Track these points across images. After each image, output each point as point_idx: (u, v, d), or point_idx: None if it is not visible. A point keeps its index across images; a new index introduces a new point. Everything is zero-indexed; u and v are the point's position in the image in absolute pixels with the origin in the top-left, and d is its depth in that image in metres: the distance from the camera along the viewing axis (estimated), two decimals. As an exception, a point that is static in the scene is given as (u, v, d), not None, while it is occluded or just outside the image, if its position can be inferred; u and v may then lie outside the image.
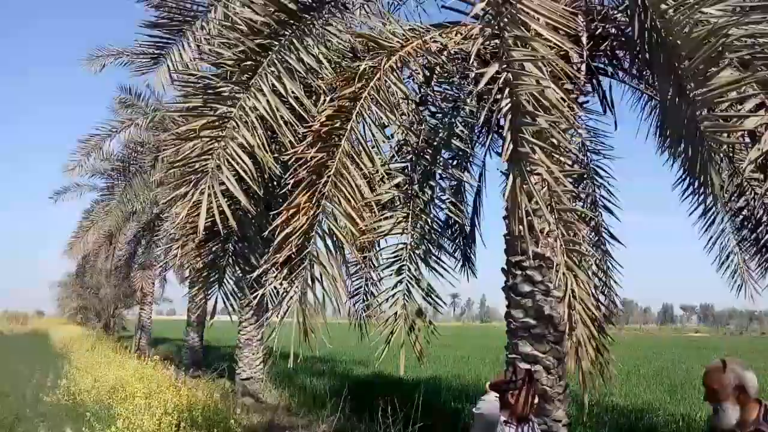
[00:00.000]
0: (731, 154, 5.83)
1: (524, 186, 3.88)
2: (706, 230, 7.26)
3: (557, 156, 4.18)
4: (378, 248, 5.67)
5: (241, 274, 6.44)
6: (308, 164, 4.42)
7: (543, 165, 3.70)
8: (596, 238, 7.92)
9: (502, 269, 5.57)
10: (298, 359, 4.17)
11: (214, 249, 6.39)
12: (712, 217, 7.18)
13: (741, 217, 7.04)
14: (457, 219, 6.06)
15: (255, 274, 4.57)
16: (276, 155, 5.36)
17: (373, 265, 6.28)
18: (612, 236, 7.70)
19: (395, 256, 5.10)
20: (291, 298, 4.23)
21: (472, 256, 6.80)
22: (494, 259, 6.25)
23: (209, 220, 5.68)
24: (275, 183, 5.92)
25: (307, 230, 4.32)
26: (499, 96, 3.93)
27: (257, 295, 4.44)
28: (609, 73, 6.07)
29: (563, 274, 4.37)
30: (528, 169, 3.69)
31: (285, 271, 4.38)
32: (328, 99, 4.63)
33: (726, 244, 7.31)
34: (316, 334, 4.34)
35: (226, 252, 6.35)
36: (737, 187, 6.51)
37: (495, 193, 6.36)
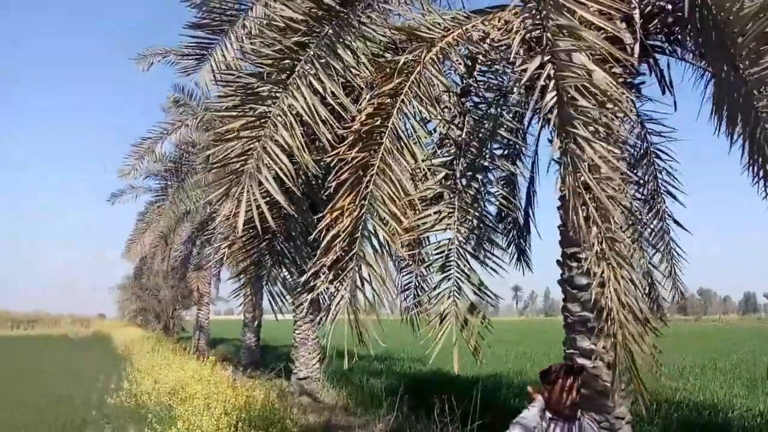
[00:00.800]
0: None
1: (578, 178, 3.89)
2: (784, 213, 6.96)
3: (608, 145, 4.18)
4: (427, 244, 5.79)
5: (287, 274, 6.72)
6: (350, 165, 4.57)
7: (597, 154, 3.70)
8: (659, 224, 7.76)
9: (558, 261, 5.55)
10: (353, 359, 4.35)
11: (259, 248, 6.69)
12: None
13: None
14: (509, 211, 6.10)
15: (305, 278, 4.77)
16: (316, 156, 5.57)
17: (422, 260, 6.41)
18: (676, 222, 7.52)
19: (440, 253, 5.19)
20: (341, 299, 4.39)
21: (527, 249, 6.81)
22: (556, 250, 6.26)
23: (253, 220, 6.00)
24: (319, 182, 6.13)
25: (352, 232, 4.46)
26: (545, 84, 3.97)
27: (307, 298, 4.64)
28: (667, 51, 5.92)
29: (599, 265, 4.34)
30: (580, 161, 3.71)
31: (333, 272, 4.54)
32: (367, 97, 4.75)
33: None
34: (369, 332, 4.49)
35: (272, 251, 6.62)
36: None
37: (549, 182, 6.34)
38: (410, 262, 5.89)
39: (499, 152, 5.86)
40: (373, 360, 18.92)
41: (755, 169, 5.14)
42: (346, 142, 4.82)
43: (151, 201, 22.99)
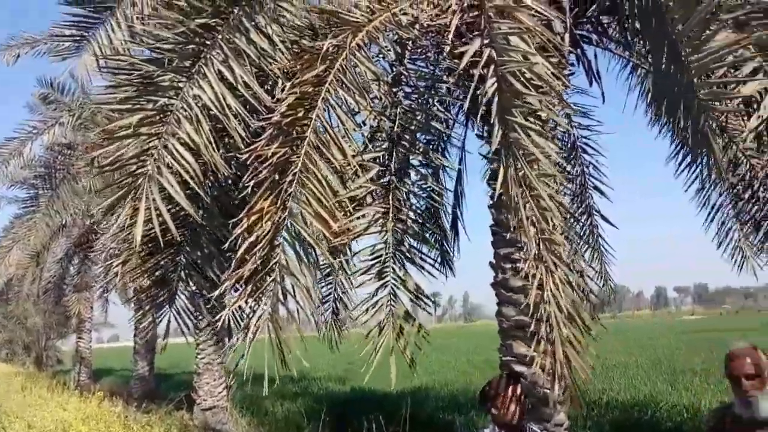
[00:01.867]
0: (725, 124, 5.98)
1: (517, 173, 3.89)
2: (704, 206, 7.50)
3: (546, 137, 4.25)
4: (350, 250, 5.66)
5: (195, 290, 6.34)
6: (269, 162, 4.36)
7: (537, 148, 3.72)
8: (588, 220, 8.11)
9: (490, 263, 5.59)
10: (274, 382, 4.13)
11: (162, 263, 6.27)
12: (709, 191, 7.43)
13: (738, 190, 7.26)
14: (438, 209, 6.09)
15: (217, 293, 4.49)
16: (226, 154, 5.29)
17: (344, 269, 6.27)
18: (603, 218, 7.88)
19: (375, 258, 5.08)
20: (260, 315, 4.17)
21: (452, 251, 6.82)
22: (474, 253, 6.30)
23: (152, 230, 5.61)
24: (230, 184, 5.83)
25: (273, 237, 4.27)
26: (482, 73, 3.96)
27: (220, 315, 4.37)
28: (594, 42, 6.16)
29: (531, 266, 4.41)
30: (521, 154, 3.72)
31: (251, 285, 4.31)
32: (288, 85, 4.57)
33: (725, 219, 7.57)
34: (291, 351, 4.30)
35: (177, 265, 6.23)
36: (732, 158, 6.69)
37: (474, 179, 6.40)
38: (333, 271, 5.74)
39: (430, 146, 5.84)
40: (287, 381, 18.50)
41: (692, 158, 5.44)
42: (263, 137, 4.59)
43: (17, 214, 21.37)
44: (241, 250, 4.33)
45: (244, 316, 6.64)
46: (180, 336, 7.11)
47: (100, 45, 7.16)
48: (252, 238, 4.29)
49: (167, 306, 6.23)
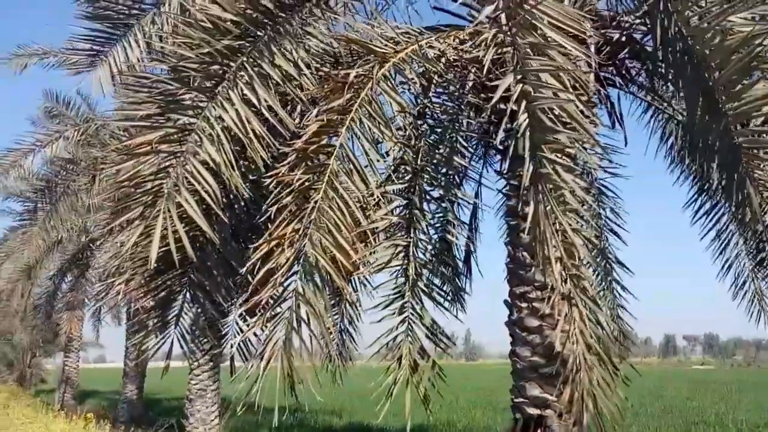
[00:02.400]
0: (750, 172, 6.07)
1: (545, 208, 3.95)
2: (720, 254, 7.51)
3: (575, 175, 4.32)
4: (364, 282, 5.71)
5: (200, 312, 6.36)
6: (292, 188, 4.42)
7: (566, 186, 3.79)
8: (603, 263, 8.12)
9: (505, 302, 5.62)
10: (284, 413, 4.13)
11: (168, 283, 6.31)
12: (727, 239, 7.46)
13: (762, 239, 7.31)
14: (451, 244, 6.13)
15: (231, 318, 4.52)
16: (247, 175, 5.36)
17: (350, 300, 6.29)
18: (618, 262, 7.89)
19: (397, 292, 5.11)
20: (275, 342, 4.18)
21: (464, 287, 6.84)
22: (478, 290, 6.33)
23: (162, 249, 5.64)
24: (244, 206, 5.90)
25: (292, 265, 4.30)
26: (511, 108, 4.03)
27: (226, 340, 4.40)
28: (618, 84, 6.27)
29: (557, 302, 4.45)
30: (549, 189, 3.78)
31: (268, 312, 4.33)
32: (314, 112, 4.66)
33: (741, 269, 7.58)
34: (302, 381, 4.31)
35: (183, 286, 6.26)
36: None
37: (487, 215, 6.47)
38: (352, 302, 5.78)
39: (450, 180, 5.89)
40: (282, 413, 18.28)
41: (717, 204, 5.51)
42: (286, 161, 4.67)
43: (13, 226, 21.37)
44: (260, 276, 4.35)
45: (249, 342, 6.72)
46: (173, 360, 7.10)
47: (116, 61, 7.29)
48: (271, 264, 4.32)
49: (172, 327, 6.24)
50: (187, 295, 6.30)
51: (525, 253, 5.28)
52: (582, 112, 4.21)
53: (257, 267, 4.42)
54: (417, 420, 16.25)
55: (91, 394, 29.63)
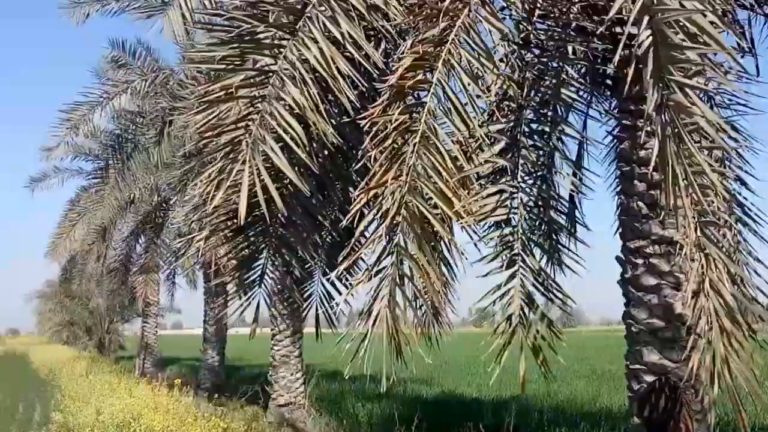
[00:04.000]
0: None
1: (679, 145, 3.79)
2: None
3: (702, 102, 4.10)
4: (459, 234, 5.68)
5: (285, 271, 6.56)
6: (386, 131, 4.43)
7: (701, 114, 3.61)
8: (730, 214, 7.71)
9: (617, 258, 5.54)
10: (390, 380, 4.24)
11: (251, 240, 6.52)
12: None
13: None
14: (578, 193, 6.01)
15: (333, 275, 4.63)
16: (332, 118, 5.42)
17: (445, 258, 6.30)
18: (746, 213, 7.46)
19: (506, 245, 5.08)
20: (382, 299, 4.27)
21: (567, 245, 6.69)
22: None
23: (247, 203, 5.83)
24: (328, 155, 5.98)
25: (395, 215, 4.35)
26: (628, 32, 3.85)
27: (338, 303, 4.54)
28: (749, 5, 5.96)
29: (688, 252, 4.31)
30: (680, 119, 3.62)
31: (373, 269, 4.43)
32: (408, 44, 4.62)
33: None
34: (410, 344, 4.37)
35: (267, 243, 6.45)
36: None
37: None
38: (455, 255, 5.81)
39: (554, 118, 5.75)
40: (368, 381, 18.81)
41: None
42: (378, 102, 4.67)
43: (84, 186, 22.60)
44: (360, 228, 4.43)
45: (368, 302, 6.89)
46: (246, 326, 7.33)
47: (187, 1, 7.45)
48: (370, 216, 4.39)
49: (257, 287, 6.47)
50: (271, 252, 6.47)
51: (640, 203, 5.20)
52: (716, 24, 3.96)
53: (356, 219, 4.49)
54: (510, 390, 16.45)
55: (171, 360, 31.48)
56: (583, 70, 5.68)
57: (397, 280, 4.40)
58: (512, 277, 5.10)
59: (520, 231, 5.03)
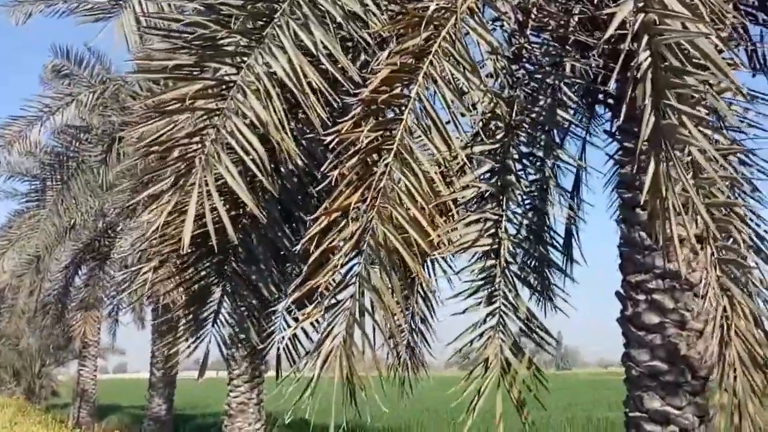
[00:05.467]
0: None
1: (670, 174, 3.89)
2: None
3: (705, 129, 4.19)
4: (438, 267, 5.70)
5: (243, 309, 6.46)
6: (358, 148, 4.44)
7: (695, 142, 3.70)
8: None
9: (617, 294, 5.60)
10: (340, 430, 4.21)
11: (204, 273, 6.44)
12: None
13: None
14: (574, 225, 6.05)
15: (283, 305, 4.59)
16: (299, 137, 5.41)
17: (425, 290, 6.28)
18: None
19: (484, 277, 5.10)
20: (335, 337, 4.25)
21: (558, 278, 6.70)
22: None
23: (198, 231, 5.76)
24: (295, 178, 5.94)
25: (358, 242, 4.33)
26: (628, 48, 3.93)
27: (284, 334, 4.49)
28: (761, 21, 6.13)
29: (713, 296, 4.38)
30: (674, 148, 3.70)
31: (325, 300, 4.41)
32: (384, 54, 4.66)
33: None
34: (365, 388, 4.36)
35: (222, 277, 6.38)
36: None
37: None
38: (422, 291, 5.78)
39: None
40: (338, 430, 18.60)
41: None
42: (349, 116, 4.68)
43: (17, 210, 22.25)
44: (316, 255, 4.40)
45: (298, 342, 6.79)
46: (207, 370, 7.20)
47: (142, 4, 7.44)
48: (329, 242, 4.39)
49: (210, 326, 6.38)
50: (227, 287, 6.39)
51: (642, 233, 5.28)
52: (719, 50, 4.06)
53: (313, 245, 4.46)
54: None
55: (110, 409, 30.91)
56: (579, 90, 5.77)
57: (356, 315, 4.38)
58: (492, 315, 5.11)
59: (503, 264, 5.03)
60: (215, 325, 6.29)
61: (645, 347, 5.22)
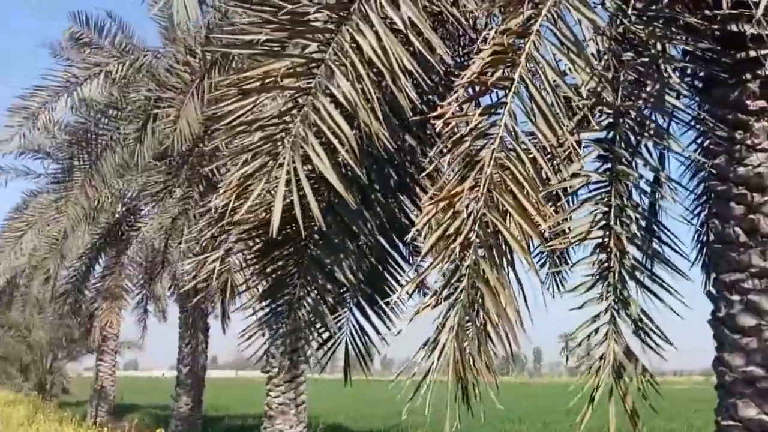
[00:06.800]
0: None
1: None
2: None
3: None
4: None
5: (318, 299, 6.72)
6: (462, 132, 4.66)
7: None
8: None
9: (708, 293, 5.76)
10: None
11: (280, 263, 6.70)
12: None
13: None
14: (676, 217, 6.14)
15: (396, 296, 4.84)
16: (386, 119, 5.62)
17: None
18: None
19: (602, 272, 5.27)
20: (449, 329, 4.48)
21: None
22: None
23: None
24: (377, 163, 6.18)
25: (468, 232, 4.55)
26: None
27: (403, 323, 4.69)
28: None
29: None
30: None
31: (443, 291, 4.65)
32: (491, 35, 4.86)
33: None
34: (479, 393, 4.61)
35: (299, 265, 6.62)
36: None
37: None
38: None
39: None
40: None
41: None
42: (451, 98, 4.89)
43: (34, 191, 22.72)
44: (427, 246, 4.64)
45: (369, 341, 7.02)
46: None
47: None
48: (439, 232, 4.62)
49: (287, 317, 6.62)
50: (306, 276, 6.58)
51: (737, 229, 5.36)
52: None
53: (425, 234, 4.69)
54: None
55: (128, 408, 31.43)
56: (685, 74, 5.87)
57: (467, 306, 4.61)
58: (605, 311, 5.27)
59: (616, 259, 5.19)
60: (295, 313, 6.49)
61: (740, 351, 5.29)
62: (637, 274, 5.38)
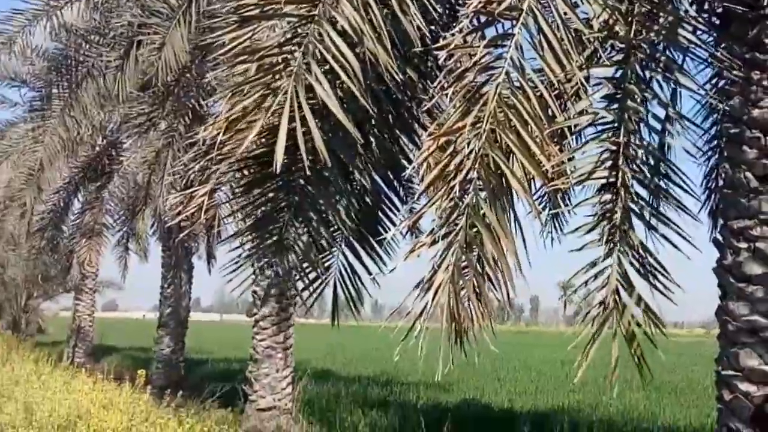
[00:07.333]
0: None
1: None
2: None
3: None
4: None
5: (309, 238, 6.78)
6: (466, 65, 4.67)
7: None
8: None
9: (714, 241, 5.82)
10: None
11: (269, 196, 6.73)
12: None
13: None
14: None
15: (389, 234, 4.88)
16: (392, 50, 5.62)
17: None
18: None
19: (606, 213, 5.31)
20: (446, 269, 4.54)
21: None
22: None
23: (262, 150, 6.04)
24: (378, 97, 6.19)
25: (469, 170, 4.60)
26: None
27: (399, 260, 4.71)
28: None
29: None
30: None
31: (441, 230, 4.70)
32: None
33: None
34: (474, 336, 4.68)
35: (290, 201, 6.66)
36: None
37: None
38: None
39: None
40: (366, 384, 19.25)
41: None
42: (456, 29, 4.90)
43: (10, 120, 22.56)
44: (426, 182, 4.69)
45: (360, 282, 7.05)
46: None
47: None
48: (437, 170, 4.67)
49: (274, 257, 6.68)
50: (292, 213, 6.60)
51: (749, 174, 5.41)
52: None
53: (424, 171, 4.73)
54: (549, 400, 16.71)
55: (107, 349, 31.62)
56: (702, 8, 5.84)
57: (464, 247, 4.64)
58: (609, 253, 5.28)
59: (622, 198, 5.21)
60: (284, 252, 6.53)
61: (744, 300, 5.36)
62: (645, 213, 5.42)
